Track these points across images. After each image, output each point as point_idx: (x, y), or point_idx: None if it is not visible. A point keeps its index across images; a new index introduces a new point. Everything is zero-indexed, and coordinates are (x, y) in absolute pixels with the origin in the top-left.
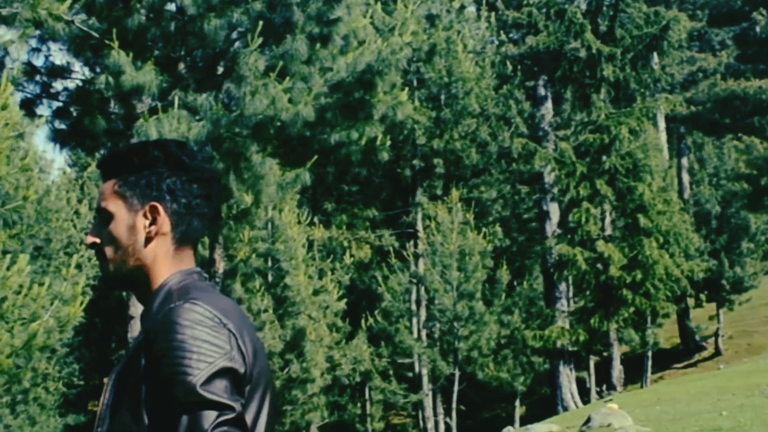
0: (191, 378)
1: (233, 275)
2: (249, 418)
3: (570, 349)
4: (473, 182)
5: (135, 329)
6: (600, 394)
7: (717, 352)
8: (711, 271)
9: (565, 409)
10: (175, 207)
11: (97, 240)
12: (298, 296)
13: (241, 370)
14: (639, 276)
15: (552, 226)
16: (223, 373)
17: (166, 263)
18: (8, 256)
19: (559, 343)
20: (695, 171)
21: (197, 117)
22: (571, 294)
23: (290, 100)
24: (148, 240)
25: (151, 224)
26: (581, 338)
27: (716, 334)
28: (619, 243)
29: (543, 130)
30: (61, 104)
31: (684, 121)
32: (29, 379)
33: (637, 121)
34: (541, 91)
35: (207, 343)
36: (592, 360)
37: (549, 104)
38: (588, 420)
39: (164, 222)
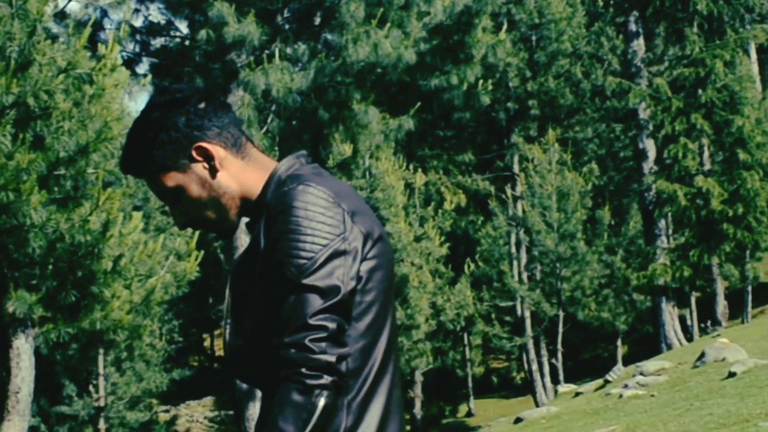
0: (303, 261)
1: None
2: (368, 297)
3: (673, 285)
4: (567, 122)
5: None
6: (704, 330)
7: None
8: None
9: (669, 346)
10: (209, 132)
11: (189, 218)
12: (399, 243)
13: (357, 249)
14: (741, 210)
15: (649, 163)
16: (337, 255)
17: (249, 174)
18: (121, 213)
19: (661, 280)
20: None
21: (297, 68)
22: (670, 231)
23: (391, 46)
24: (218, 173)
25: (209, 162)
26: (684, 274)
27: None
28: (719, 177)
29: (635, 67)
30: (159, 62)
31: None
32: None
33: (732, 52)
34: (633, 27)
35: (321, 224)
36: (693, 296)
37: (641, 40)
38: (702, 355)
39: (216, 150)
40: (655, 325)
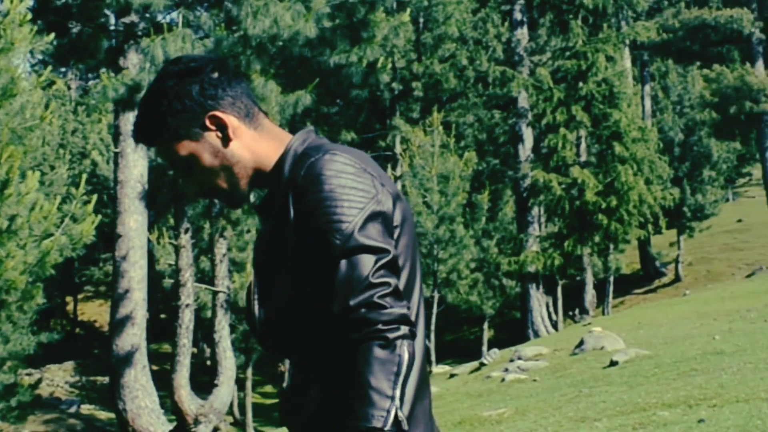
0: (346, 225)
1: None
2: (400, 261)
3: (543, 273)
4: (449, 106)
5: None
6: (572, 317)
7: (677, 278)
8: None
9: (536, 332)
10: (223, 101)
11: (200, 188)
12: None
13: (389, 211)
14: (614, 202)
15: (525, 151)
16: (374, 216)
17: (262, 144)
18: (18, 172)
19: (532, 268)
20: (659, 99)
21: (199, 35)
22: (542, 219)
23: (293, 19)
24: (230, 143)
25: (223, 131)
26: (556, 262)
27: (676, 261)
28: (594, 169)
29: (518, 55)
30: (59, 20)
31: (654, 49)
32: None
33: (614, 47)
34: (518, 16)
35: (354, 189)
36: (560, 285)
37: (525, 29)
38: (581, 343)
39: (229, 119)
40: (523, 310)
